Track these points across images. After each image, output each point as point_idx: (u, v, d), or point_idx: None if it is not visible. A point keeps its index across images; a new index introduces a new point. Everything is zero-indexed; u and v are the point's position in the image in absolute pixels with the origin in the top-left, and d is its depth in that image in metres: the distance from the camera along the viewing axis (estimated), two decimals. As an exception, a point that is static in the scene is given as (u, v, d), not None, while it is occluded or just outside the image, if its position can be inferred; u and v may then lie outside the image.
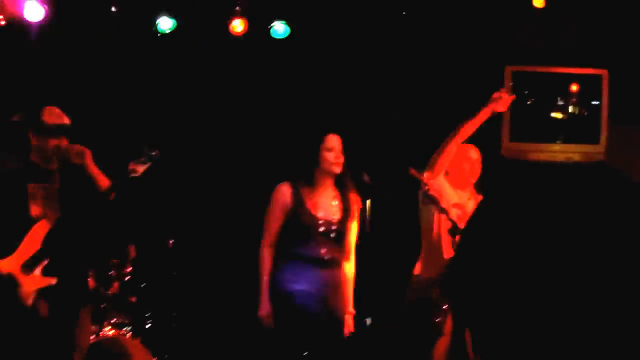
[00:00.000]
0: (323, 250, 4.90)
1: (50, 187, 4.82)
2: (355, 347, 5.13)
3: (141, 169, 4.79)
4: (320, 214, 4.91)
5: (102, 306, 6.02)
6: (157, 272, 6.65)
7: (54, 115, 4.83)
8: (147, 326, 6.38)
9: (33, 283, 4.69)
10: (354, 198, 5.01)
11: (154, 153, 4.80)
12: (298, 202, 4.89)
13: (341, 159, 4.92)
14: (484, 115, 5.10)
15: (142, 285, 6.31)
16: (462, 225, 4.82)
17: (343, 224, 4.95)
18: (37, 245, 4.73)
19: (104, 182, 4.85)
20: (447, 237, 4.79)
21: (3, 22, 6.62)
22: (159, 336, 6.39)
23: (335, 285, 4.96)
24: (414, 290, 5.24)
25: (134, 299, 6.20)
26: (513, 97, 5.09)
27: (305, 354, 4.81)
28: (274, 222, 4.93)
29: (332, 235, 4.94)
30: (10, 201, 4.78)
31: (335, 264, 4.95)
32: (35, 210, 4.77)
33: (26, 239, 4.73)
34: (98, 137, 5.34)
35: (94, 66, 6.92)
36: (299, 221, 4.88)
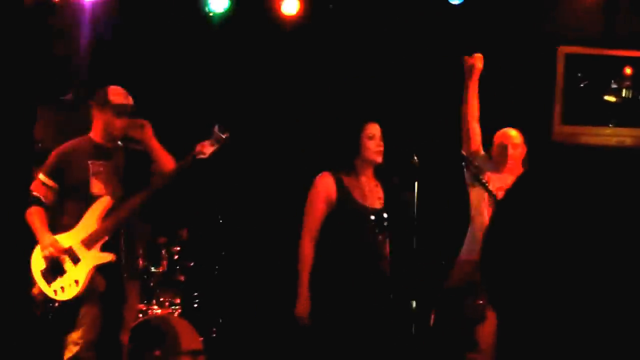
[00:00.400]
0: (379, 239, 4.78)
1: (111, 164, 4.90)
2: (401, 330, 5.11)
3: (209, 151, 4.83)
4: (368, 204, 4.77)
5: (150, 285, 6.08)
6: (206, 251, 6.69)
7: (120, 95, 4.91)
8: (194, 305, 6.44)
9: (92, 259, 4.79)
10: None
11: (224, 136, 4.82)
12: (343, 193, 4.71)
13: (381, 147, 4.80)
14: (473, 85, 5.19)
15: (190, 265, 6.35)
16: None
17: (389, 212, 4.86)
18: (98, 222, 4.82)
19: (165, 157, 4.91)
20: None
21: (57, 0, 6.70)
22: (206, 315, 6.45)
23: (387, 276, 4.87)
24: (459, 273, 5.21)
25: (182, 278, 6.25)
26: (480, 55, 5.18)
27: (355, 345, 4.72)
28: (317, 213, 4.71)
29: (384, 224, 4.82)
30: (72, 178, 4.89)
31: (386, 253, 4.86)
32: (96, 187, 4.86)
33: (87, 215, 4.82)
34: (163, 117, 5.37)
35: (158, 45, 6.94)
36: (348, 213, 4.70)
